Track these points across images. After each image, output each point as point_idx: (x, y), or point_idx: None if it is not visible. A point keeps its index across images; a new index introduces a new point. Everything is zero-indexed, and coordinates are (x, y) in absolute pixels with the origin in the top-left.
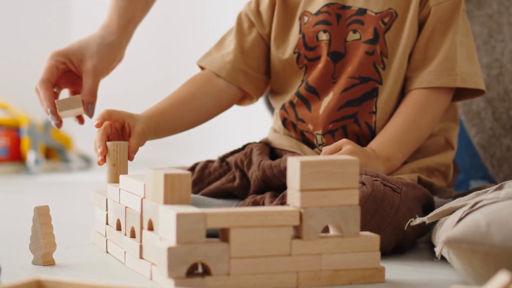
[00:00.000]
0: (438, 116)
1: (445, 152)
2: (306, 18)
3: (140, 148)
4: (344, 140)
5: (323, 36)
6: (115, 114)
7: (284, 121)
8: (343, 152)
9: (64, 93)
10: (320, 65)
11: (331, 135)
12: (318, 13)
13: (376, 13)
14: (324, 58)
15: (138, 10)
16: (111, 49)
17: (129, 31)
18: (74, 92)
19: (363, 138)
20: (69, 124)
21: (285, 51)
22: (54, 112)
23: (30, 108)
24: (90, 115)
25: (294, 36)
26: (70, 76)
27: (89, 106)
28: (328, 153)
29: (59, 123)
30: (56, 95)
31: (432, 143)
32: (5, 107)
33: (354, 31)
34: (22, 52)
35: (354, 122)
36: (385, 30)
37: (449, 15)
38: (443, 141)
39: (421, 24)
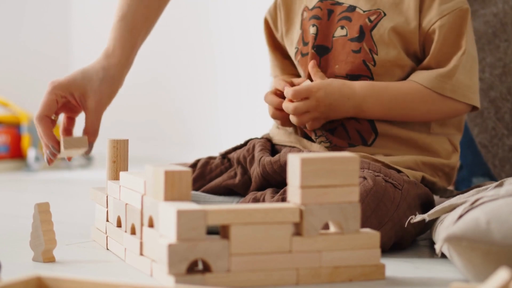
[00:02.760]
0: (432, 112)
1: (450, 154)
2: (305, 14)
3: (140, 145)
4: (315, 86)
5: (312, 30)
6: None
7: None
8: (310, 105)
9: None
10: (309, 59)
11: (330, 133)
12: (313, 8)
13: (364, 11)
14: (310, 51)
15: (141, 37)
16: (113, 83)
17: (131, 60)
18: (70, 118)
19: (365, 132)
20: None
21: (291, 47)
22: (57, 149)
23: (31, 105)
24: (89, 152)
25: (296, 33)
26: (69, 105)
27: (89, 145)
28: (293, 95)
29: (51, 161)
30: (53, 122)
31: (436, 142)
32: (6, 104)
33: (342, 27)
34: (23, 49)
35: (352, 118)
36: (372, 28)
37: (457, 25)
38: (448, 143)
39: (426, 34)
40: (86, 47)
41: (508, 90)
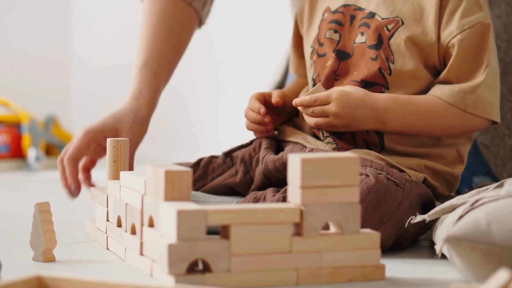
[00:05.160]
0: (453, 128)
1: (455, 164)
2: (326, 15)
3: (141, 146)
4: (335, 92)
5: (333, 35)
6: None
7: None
8: (329, 111)
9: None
10: (329, 63)
11: (338, 136)
12: (335, 11)
13: (382, 18)
14: (331, 55)
15: (163, 81)
16: (142, 123)
17: (156, 102)
18: (92, 160)
19: (372, 145)
20: (70, 121)
21: (307, 45)
22: (78, 192)
23: (31, 105)
24: None
25: (314, 31)
26: (98, 149)
27: None
28: (309, 103)
29: (74, 197)
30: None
31: (443, 151)
32: (6, 104)
33: (362, 34)
34: (23, 49)
35: None
36: (389, 37)
37: (478, 40)
38: (454, 153)
39: (446, 47)
40: (86, 47)
41: (509, 90)
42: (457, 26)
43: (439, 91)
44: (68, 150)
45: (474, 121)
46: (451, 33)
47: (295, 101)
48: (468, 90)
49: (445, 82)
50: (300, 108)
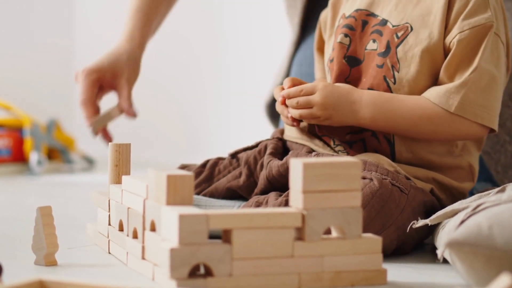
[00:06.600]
0: (440, 132)
1: (465, 180)
2: (341, 21)
3: (145, 150)
4: (321, 84)
5: (343, 39)
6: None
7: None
8: (313, 100)
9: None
10: (335, 67)
11: (349, 145)
12: (348, 16)
13: (393, 26)
14: (340, 60)
15: (153, 28)
16: (135, 63)
17: (145, 47)
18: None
19: (383, 154)
20: (72, 125)
21: (327, 53)
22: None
23: (33, 109)
24: (135, 115)
25: (333, 39)
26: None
27: (130, 110)
28: (295, 93)
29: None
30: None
31: (455, 164)
32: (8, 108)
33: (374, 41)
34: (25, 52)
35: (372, 136)
36: (398, 44)
37: (476, 42)
38: (466, 166)
39: (448, 49)
40: (89, 51)
41: (509, 96)
42: (458, 26)
43: (428, 92)
44: (79, 97)
45: (463, 125)
46: (453, 34)
47: (283, 93)
48: (453, 90)
49: (440, 84)
50: (287, 101)
